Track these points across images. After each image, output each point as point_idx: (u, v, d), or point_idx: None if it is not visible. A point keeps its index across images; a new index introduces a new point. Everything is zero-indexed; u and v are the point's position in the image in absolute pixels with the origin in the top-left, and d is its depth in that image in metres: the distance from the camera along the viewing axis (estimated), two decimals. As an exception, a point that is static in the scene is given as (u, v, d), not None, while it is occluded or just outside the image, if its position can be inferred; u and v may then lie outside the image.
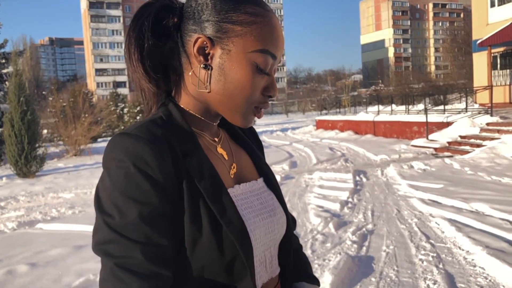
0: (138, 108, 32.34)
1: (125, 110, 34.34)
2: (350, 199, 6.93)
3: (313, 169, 10.45)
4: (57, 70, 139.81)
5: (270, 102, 0.84)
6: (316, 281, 0.97)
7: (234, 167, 0.87)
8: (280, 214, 0.86)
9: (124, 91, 71.61)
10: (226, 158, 0.86)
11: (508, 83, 18.29)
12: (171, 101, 0.83)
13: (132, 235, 0.67)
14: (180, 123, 0.79)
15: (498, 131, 11.71)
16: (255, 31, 0.77)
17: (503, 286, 3.47)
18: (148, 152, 0.70)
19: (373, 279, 3.76)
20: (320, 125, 24.06)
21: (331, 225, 5.42)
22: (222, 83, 0.78)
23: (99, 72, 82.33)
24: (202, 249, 0.72)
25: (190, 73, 0.81)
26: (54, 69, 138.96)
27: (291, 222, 0.91)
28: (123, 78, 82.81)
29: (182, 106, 0.84)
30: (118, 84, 77.32)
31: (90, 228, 6.15)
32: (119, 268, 0.66)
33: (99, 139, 28.88)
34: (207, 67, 0.78)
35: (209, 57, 0.78)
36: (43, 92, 46.40)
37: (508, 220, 5.09)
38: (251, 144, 0.96)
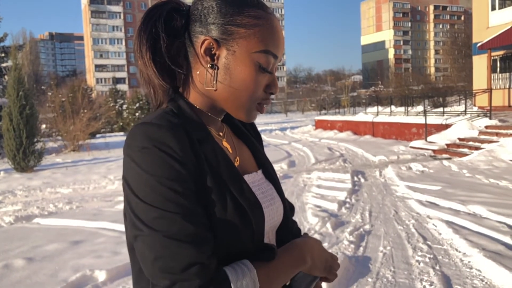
0: (137, 105, 32.29)
1: (124, 106, 34.30)
2: (348, 199, 6.94)
3: (312, 169, 10.46)
4: (57, 65, 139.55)
5: (270, 100, 0.91)
6: None
7: (237, 160, 0.93)
8: (278, 203, 0.94)
9: (123, 87, 71.46)
10: (230, 151, 0.92)
11: (507, 86, 18.32)
12: (180, 96, 0.88)
13: (174, 208, 0.72)
14: (190, 115, 0.85)
15: (497, 134, 11.73)
16: (258, 33, 0.83)
17: (499, 288, 3.49)
18: (170, 138, 0.75)
19: (369, 280, 3.77)
20: (319, 125, 24.07)
21: (328, 225, 5.43)
22: (227, 81, 0.83)
23: (99, 68, 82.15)
24: (227, 223, 0.78)
25: (198, 72, 0.86)
26: (54, 64, 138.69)
27: (288, 210, 0.98)
28: (122, 75, 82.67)
29: (190, 101, 0.89)
30: (117, 80, 77.08)
31: (87, 224, 6.15)
32: (170, 240, 0.71)
33: (98, 135, 28.85)
34: (214, 66, 0.83)
35: (215, 58, 0.84)
36: (42, 87, 46.27)
37: (505, 223, 5.10)
38: (251, 138, 1.02)
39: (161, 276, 0.70)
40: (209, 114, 0.89)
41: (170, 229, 0.71)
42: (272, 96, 0.90)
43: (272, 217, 0.90)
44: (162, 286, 0.71)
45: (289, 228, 0.97)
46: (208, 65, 0.83)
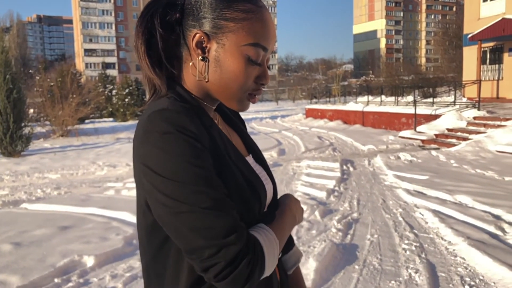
0: (126, 90, 31.98)
1: (114, 92, 33.93)
2: (336, 188, 6.99)
3: (301, 157, 10.50)
4: (45, 48, 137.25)
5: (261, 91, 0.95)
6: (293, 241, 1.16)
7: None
8: (270, 183, 1.01)
9: (113, 72, 70.74)
10: None
11: (496, 78, 18.48)
12: (178, 85, 0.92)
13: (204, 183, 0.77)
14: (192, 102, 0.89)
15: (484, 125, 11.87)
16: (246, 27, 0.86)
17: (482, 276, 3.56)
18: (188, 122, 0.80)
19: (356, 267, 3.82)
20: (310, 113, 24.10)
21: (317, 213, 5.47)
22: (218, 73, 0.87)
23: (88, 52, 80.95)
24: (243, 197, 0.86)
25: (190, 64, 0.90)
26: (42, 47, 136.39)
27: (276, 189, 1.06)
28: (112, 60, 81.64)
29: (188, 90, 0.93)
30: (107, 65, 76.03)
31: (75, 209, 6.13)
32: (209, 211, 0.76)
33: (87, 121, 28.59)
34: (205, 59, 0.87)
35: (206, 50, 0.87)
36: (30, 71, 45.53)
37: (489, 213, 5.19)
38: (239, 124, 1.08)
39: (206, 245, 0.75)
40: (205, 103, 0.93)
41: (206, 202, 0.76)
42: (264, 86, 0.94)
43: (267, 194, 0.98)
44: (206, 256, 0.75)
45: (277, 204, 1.04)
46: (200, 58, 0.87)
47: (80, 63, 77.14)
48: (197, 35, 0.86)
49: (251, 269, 0.77)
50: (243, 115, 1.16)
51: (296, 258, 1.12)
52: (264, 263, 0.81)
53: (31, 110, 21.61)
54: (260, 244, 0.81)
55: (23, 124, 14.39)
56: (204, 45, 0.87)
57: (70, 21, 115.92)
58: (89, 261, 4.02)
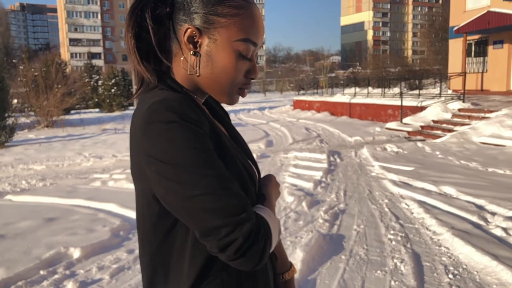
0: (112, 81, 31.59)
1: (100, 82, 33.49)
2: (323, 179, 7.03)
3: (289, 149, 10.53)
4: (28, 38, 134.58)
5: (250, 85, 0.97)
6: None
7: None
8: (256, 170, 1.04)
9: (99, 62, 69.71)
10: None
11: (480, 70, 18.69)
12: (168, 78, 0.93)
13: (212, 167, 0.80)
14: (184, 93, 0.90)
15: (469, 117, 12.03)
16: (237, 23, 0.88)
17: (466, 265, 3.63)
18: (190, 111, 0.82)
19: (343, 257, 3.86)
20: (297, 105, 24.14)
21: (304, 204, 5.50)
22: (209, 68, 0.89)
23: (73, 42, 79.57)
24: (242, 181, 0.89)
25: (182, 58, 0.91)
26: (25, 36, 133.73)
27: (260, 176, 1.09)
28: (98, 49, 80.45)
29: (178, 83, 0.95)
30: (93, 55, 74.88)
31: (61, 201, 6.07)
32: (221, 193, 0.78)
33: (72, 111, 28.24)
34: (196, 54, 0.89)
35: (197, 45, 0.89)
36: (13, 60, 44.65)
37: (473, 203, 5.28)
38: (224, 116, 1.09)
39: (221, 224, 0.77)
40: (195, 96, 0.94)
41: (215, 184, 0.78)
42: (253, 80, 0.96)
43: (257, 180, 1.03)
44: (223, 235, 0.77)
45: (260, 191, 1.07)
46: (191, 53, 0.88)
47: (65, 52, 75.82)
48: (189, 30, 0.87)
49: (264, 243, 0.80)
50: (231, 106, 1.17)
51: (278, 231, 1.16)
52: (272, 238, 0.84)
53: (15, 101, 21.26)
54: (266, 220, 0.85)
55: (6, 115, 14.15)
56: (195, 40, 0.88)
57: (54, 10, 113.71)
58: (75, 253, 3.99)
